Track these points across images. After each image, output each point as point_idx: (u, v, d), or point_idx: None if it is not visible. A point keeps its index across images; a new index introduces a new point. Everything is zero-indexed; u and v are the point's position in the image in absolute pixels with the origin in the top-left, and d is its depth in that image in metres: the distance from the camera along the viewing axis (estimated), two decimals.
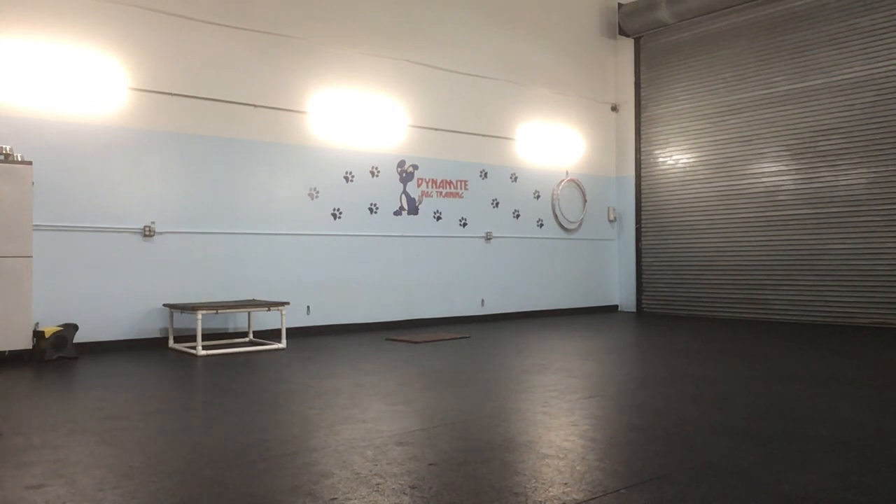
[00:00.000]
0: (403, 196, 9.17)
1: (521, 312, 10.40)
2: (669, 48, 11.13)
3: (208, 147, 7.62)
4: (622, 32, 11.60)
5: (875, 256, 8.87)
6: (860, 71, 9.01)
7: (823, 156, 9.35)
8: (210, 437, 3.65)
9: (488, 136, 10.06)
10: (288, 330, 7.92)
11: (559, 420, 3.98)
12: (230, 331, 7.73)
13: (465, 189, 9.81)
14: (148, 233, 7.21)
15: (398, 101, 9.09)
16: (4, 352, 6.11)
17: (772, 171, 9.86)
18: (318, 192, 8.37)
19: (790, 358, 6.35)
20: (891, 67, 8.76)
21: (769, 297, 9.85)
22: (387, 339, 7.82)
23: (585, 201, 11.29)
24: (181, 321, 7.28)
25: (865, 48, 8.97)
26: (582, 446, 3.42)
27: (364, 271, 8.76)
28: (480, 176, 9.97)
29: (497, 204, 10.17)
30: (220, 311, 6.84)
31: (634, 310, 11.49)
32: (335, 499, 2.69)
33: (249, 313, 7.61)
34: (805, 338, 7.87)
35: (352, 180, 8.67)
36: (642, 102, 11.51)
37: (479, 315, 9.89)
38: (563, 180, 10.98)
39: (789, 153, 9.69)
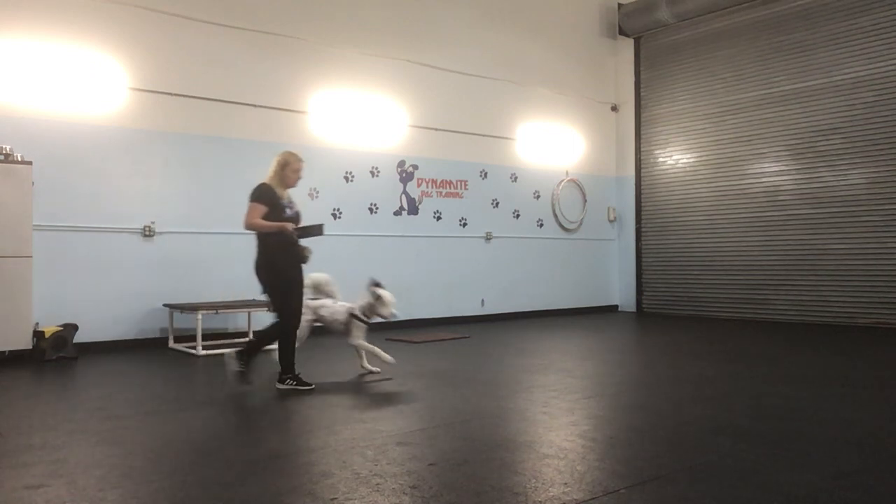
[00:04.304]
0: (403, 196, 9.17)
1: (522, 312, 10.39)
2: (669, 48, 11.12)
3: (208, 147, 7.62)
4: (622, 32, 11.59)
5: (875, 256, 8.86)
6: (860, 71, 9.00)
7: (823, 156, 9.34)
8: (210, 437, 3.65)
9: (488, 136, 10.05)
10: None
11: (559, 420, 3.98)
12: (230, 331, 7.72)
13: (465, 189, 9.80)
14: (148, 233, 7.20)
15: (398, 101, 9.08)
16: (4, 352, 6.11)
17: (772, 171, 9.86)
18: (318, 192, 8.36)
19: (790, 358, 6.35)
20: (891, 67, 8.76)
21: (769, 297, 9.84)
22: (387, 339, 7.81)
23: (585, 201, 11.29)
24: (181, 321, 7.27)
25: (865, 48, 8.97)
26: (582, 446, 3.42)
27: (364, 271, 8.72)
28: (480, 176, 9.96)
29: (497, 204, 10.16)
30: (220, 311, 6.84)
31: (634, 310, 11.49)
32: (335, 499, 2.69)
33: (249, 313, 7.60)
34: (805, 338, 7.86)
35: (352, 180, 8.67)
36: (642, 102, 11.50)
37: (480, 315, 9.89)
38: (563, 180, 10.98)
39: (789, 153, 9.68)
